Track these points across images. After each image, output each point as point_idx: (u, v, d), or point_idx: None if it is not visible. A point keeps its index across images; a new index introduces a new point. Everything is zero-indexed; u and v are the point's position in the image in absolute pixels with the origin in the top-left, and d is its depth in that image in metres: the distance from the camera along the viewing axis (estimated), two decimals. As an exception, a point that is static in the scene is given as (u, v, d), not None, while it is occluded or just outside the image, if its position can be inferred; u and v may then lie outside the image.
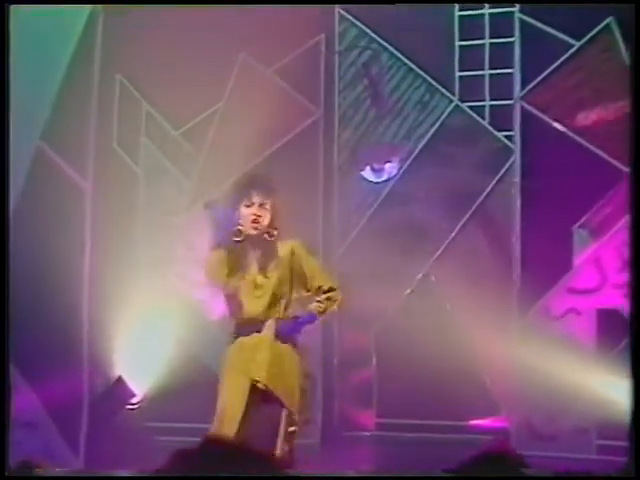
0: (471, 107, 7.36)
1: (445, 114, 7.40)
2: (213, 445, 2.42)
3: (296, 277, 4.91)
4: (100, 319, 7.15)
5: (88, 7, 7.54)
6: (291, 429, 4.75)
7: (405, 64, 7.50)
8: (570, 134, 7.05)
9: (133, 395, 7.12)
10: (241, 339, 4.87)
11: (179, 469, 2.36)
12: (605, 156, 6.86)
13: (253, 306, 4.84)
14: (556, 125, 7.09)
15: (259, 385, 4.76)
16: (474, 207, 7.27)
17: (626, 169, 6.47)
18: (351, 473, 6.67)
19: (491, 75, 7.34)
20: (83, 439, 7.12)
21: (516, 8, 7.24)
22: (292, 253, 4.89)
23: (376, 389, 7.36)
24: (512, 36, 7.26)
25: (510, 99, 7.27)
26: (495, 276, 7.21)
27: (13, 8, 6.09)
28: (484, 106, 7.35)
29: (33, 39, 7.11)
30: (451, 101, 7.41)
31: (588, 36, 7.02)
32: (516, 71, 7.25)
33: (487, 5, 7.34)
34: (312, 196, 7.46)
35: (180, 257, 7.38)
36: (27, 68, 6.96)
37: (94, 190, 7.58)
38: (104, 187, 7.58)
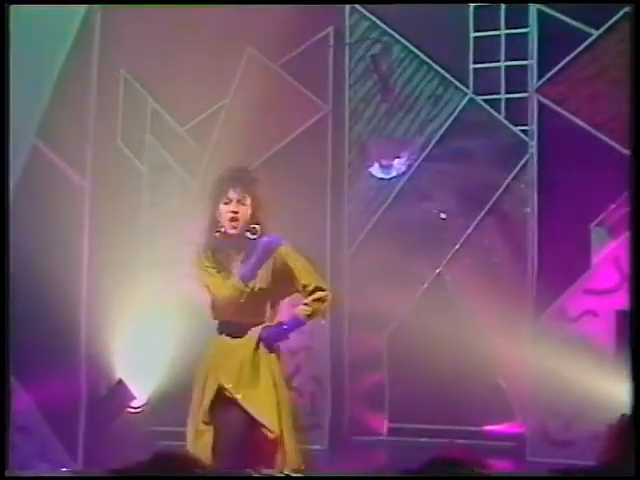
0: (486, 100, 7.14)
1: (459, 108, 7.19)
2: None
3: (282, 278, 4.70)
4: (99, 321, 7.01)
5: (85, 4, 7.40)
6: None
7: (417, 56, 7.29)
8: (588, 128, 6.80)
9: (133, 398, 6.98)
10: (222, 338, 4.68)
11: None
12: (624, 151, 6.60)
13: (236, 311, 4.65)
14: (574, 119, 6.85)
15: (226, 392, 4.55)
16: (489, 204, 7.06)
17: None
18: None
19: (507, 67, 7.12)
20: (81, 443, 7.00)
21: (532, -3, 7.02)
22: (275, 260, 4.70)
23: (388, 392, 7.17)
24: (528, 26, 7.03)
25: (526, 92, 7.04)
26: (510, 275, 7.01)
27: (13, 8, 6.03)
28: (499, 99, 7.14)
29: (28, 37, 6.99)
30: (465, 94, 7.20)
31: (607, 24, 6.76)
32: (533, 63, 7.02)
33: (502, -5, 7.12)
34: (320, 194, 7.29)
35: (183, 257, 7.20)
36: (22, 66, 6.84)
37: (94, 189, 7.42)
38: (106, 185, 7.42)
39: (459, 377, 6.77)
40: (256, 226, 4.66)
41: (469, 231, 7.08)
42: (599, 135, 6.74)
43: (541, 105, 6.98)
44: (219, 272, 4.67)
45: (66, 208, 7.21)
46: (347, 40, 7.39)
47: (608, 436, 3.31)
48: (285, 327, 4.69)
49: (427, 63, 7.26)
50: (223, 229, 4.67)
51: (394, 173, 7.08)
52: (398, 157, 7.05)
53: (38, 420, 6.92)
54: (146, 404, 7.10)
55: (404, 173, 7.19)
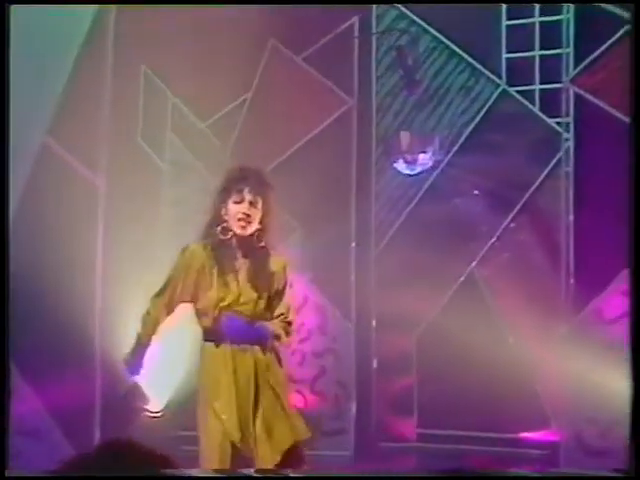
0: (519, 92, 6.87)
1: (491, 100, 6.94)
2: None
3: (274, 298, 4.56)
4: (114, 323, 6.81)
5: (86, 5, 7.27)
6: None
7: (447, 47, 7.03)
8: (626, 120, 6.48)
9: (150, 402, 6.78)
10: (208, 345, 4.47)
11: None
12: (664, 143, 6.26)
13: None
14: (611, 110, 6.54)
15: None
16: (523, 201, 6.79)
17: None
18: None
19: (541, 56, 6.83)
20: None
21: (567, -18, 6.72)
22: (282, 272, 4.55)
23: (417, 396, 6.94)
24: (563, 13, 6.74)
25: (561, 82, 6.75)
26: (545, 275, 6.73)
27: (13, 8, 5.92)
28: (533, 90, 6.86)
29: (37, 36, 6.92)
30: (498, 85, 6.93)
31: (646, 11, 6.44)
32: (568, 51, 6.74)
33: (537, -19, 6.84)
34: (345, 191, 7.08)
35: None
36: (31, 65, 6.77)
37: (110, 187, 7.26)
38: (123, 184, 7.25)
39: (491, 381, 6.51)
40: (264, 235, 4.50)
41: (502, 229, 6.82)
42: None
43: (577, 96, 6.71)
44: (219, 271, 4.47)
45: (79, 207, 7.08)
46: (374, 30, 7.16)
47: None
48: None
49: (457, 53, 7.01)
50: (225, 225, 4.47)
51: (419, 169, 6.82)
52: (423, 152, 6.79)
53: (49, 424, 6.79)
54: (166, 408, 6.92)
55: (431, 168, 6.93)
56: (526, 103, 6.85)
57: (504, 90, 6.92)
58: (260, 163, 7.01)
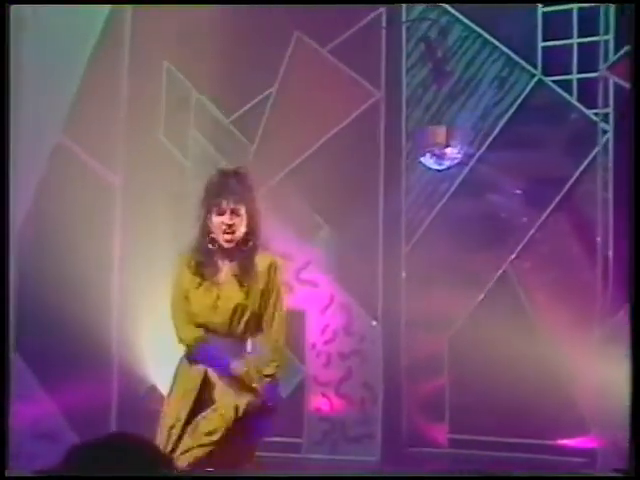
0: (556, 81, 6.62)
1: (526, 90, 6.69)
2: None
3: (261, 302, 4.36)
4: (131, 325, 6.72)
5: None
6: None
7: (480, 35, 6.79)
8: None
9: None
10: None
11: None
12: None
13: (206, 317, 4.35)
14: (653, 100, 6.23)
15: None
16: (559, 196, 6.54)
17: None
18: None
19: (579, 44, 6.57)
20: None
21: (606, -35, 6.44)
22: (268, 272, 4.35)
23: (448, 400, 6.71)
24: (602, -1, 6.49)
25: (600, 71, 6.47)
26: (581, 274, 6.47)
27: (13, 8, 5.95)
28: (571, 80, 6.60)
29: (52, 35, 6.92)
30: (533, 75, 6.69)
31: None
32: (607, 39, 6.47)
33: (573, -35, 6.59)
34: (372, 187, 6.88)
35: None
36: (47, 65, 6.78)
37: (128, 186, 7.14)
38: (144, 182, 7.11)
39: (526, 384, 6.28)
40: (250, 238, 4.34)
41: (537, 226, 6.58)
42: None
43: (616, 86, 6.42)
44: (200, 284, 4.36)
45: (96, 206, 6.97)
46: (404, 18, 6.95)
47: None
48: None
49: (491, 42, 6.77)
50: (213, 236, 4.34)
51: (448, 163, 6.60)
52: (450, 145, 6.55)
53: (64, 427, 6.69)
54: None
55: (463, 162, 6.70)
56: (563, 93, 6.61)
57: (540, 80, 6.69)
58: (284, 159, 6.97)
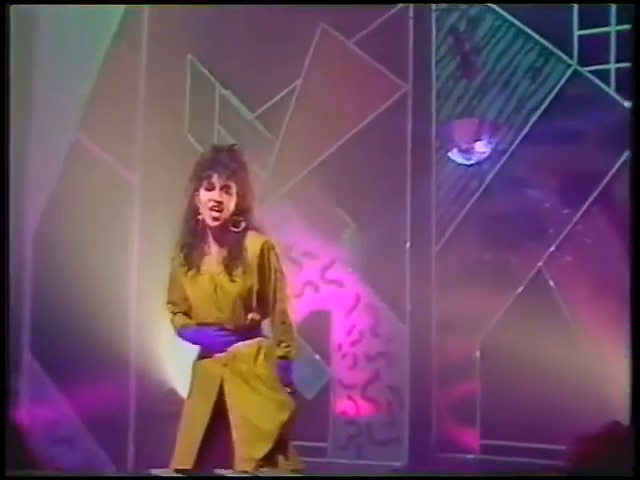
0: (593, 72, 6.47)
1: (562, 81, 6.55)
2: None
3: (260, 286, 4.13)
4: (149, 327, 6.64)
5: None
6: None
7: (513, 25, 6.65)
8: None
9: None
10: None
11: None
12: None
13: (209, 312, 4.13)
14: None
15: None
16: (597, 191, 6.40)
17: None
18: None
19: (617, 32, 6.39)
20: (131, 454, 6.73)
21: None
22: (261, 253, 4.11)
23: (480, 405, 6.59)
24: (642, -15, 6.28)
25: None
26: (620, 274, 6.24)
27: (13, 8, 5.94)
28: (608, 70, 6.43)
29: (68, 33, 6.98)
30: (569, 65, 6.53)
31: None
32: (647, 27, 6.27)
33: (612, -50, 6.44)
34: (400, 183, 6.78)
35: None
36: (63, 63, 6.86)
37: (148, 184, 7.11)
38: (165, 181, 7.06)
39: (562, 388, 6.12)
40: (240, 219, 4.11)
41: (572, 223, 6.44)
42: None
43: (656, 76, 6.23)
44: (188, 270, 4.14)
45: (114, 204, 6.97)
46: (433, 8, 6.84)
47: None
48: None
49: (524, 32, 6.63)
50: (201, 217, 4.12)
51: (476, 158, 6.46)
52: (479, 139, 6.40)
53: (82, 431, 6.69)
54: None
55: (495, 157, 6.55)
56: (600, 84, 6.45)
57: (576, 70, 6.53)
58: (309, 154, 6.91)
